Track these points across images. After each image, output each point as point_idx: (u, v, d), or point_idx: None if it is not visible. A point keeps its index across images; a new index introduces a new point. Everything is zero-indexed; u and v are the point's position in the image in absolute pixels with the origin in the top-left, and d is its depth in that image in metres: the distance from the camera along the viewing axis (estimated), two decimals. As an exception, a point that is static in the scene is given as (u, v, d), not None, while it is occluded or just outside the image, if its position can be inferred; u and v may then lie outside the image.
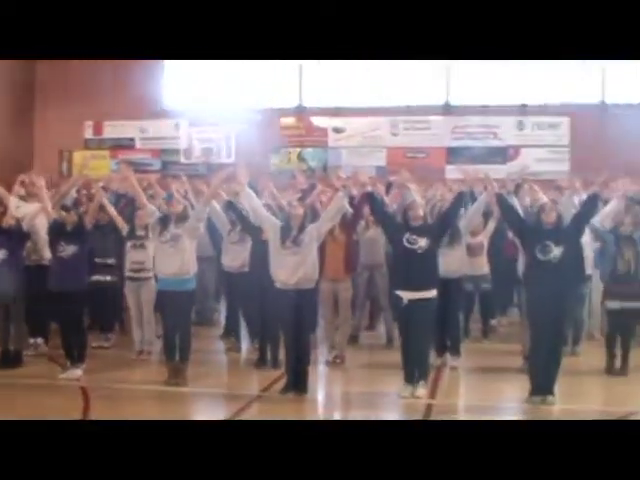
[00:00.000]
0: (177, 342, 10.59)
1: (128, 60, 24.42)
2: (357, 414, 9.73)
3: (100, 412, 9.08)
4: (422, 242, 9.68)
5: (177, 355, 10.61)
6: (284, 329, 10.35)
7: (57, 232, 11.12)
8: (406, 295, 9.75)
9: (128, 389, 10.28)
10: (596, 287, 12.70)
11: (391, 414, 9.52)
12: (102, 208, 12.25)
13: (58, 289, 10.87)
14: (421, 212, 10.09)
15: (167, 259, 10.55)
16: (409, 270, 9.74)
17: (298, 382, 10.06)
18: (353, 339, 13.13)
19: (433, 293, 9.88)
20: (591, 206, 10.06)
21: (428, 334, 10.11)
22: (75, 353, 10.89)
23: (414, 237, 9.75)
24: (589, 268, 12.32)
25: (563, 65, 25.09)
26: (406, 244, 9.73)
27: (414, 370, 9.89)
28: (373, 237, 12.88)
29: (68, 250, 10.91)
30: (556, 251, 9.36)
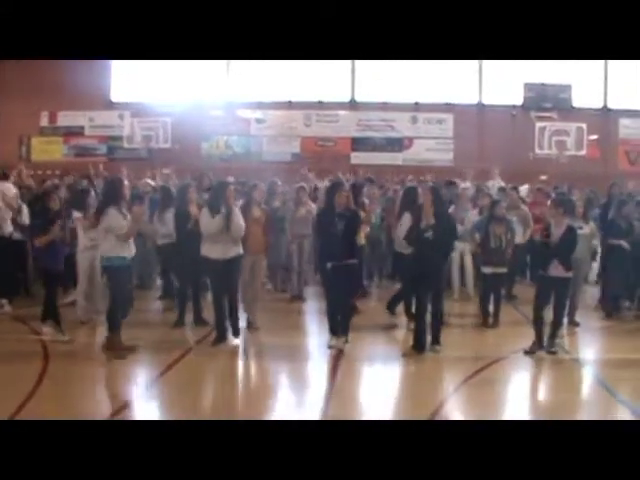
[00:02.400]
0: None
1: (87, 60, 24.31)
2: (273, 360, 9.73)
3: (58, 360, 9.00)
4: (341, 225, 9.73)
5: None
6: (218, 291, 10.32)
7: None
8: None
9: (82, 342, 10.14)
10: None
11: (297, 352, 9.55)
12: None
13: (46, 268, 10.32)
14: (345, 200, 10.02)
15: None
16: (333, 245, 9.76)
17: (226, 335, 10.12)
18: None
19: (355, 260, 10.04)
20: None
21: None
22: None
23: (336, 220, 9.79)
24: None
25: (447, 69, 25.67)
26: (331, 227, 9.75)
27: (338, 325, 9.90)
28: (303, 215, 13.01)
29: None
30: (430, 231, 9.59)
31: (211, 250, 10.12)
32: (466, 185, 14.94)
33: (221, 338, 10.16)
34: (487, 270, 11.40)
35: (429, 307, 9.75)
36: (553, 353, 9.59)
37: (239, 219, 10.15)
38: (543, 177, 22.35)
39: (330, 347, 9.85)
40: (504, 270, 11.47)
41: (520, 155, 24.21)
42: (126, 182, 10.66)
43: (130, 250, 9.64)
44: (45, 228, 9.97)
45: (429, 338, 9.77)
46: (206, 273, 10.78)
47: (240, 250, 10.25)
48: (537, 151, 24.97)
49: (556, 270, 9.62)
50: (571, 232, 9.75)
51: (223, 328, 10.19)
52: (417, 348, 9.67)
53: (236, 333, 10.27)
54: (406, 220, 10.63)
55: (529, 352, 9.64)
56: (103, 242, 9.59)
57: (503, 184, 15.99)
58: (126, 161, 24.86)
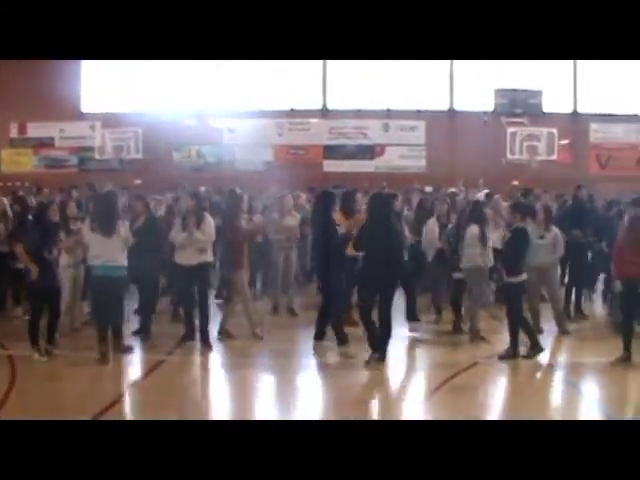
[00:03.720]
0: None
1: (52, 68, 24.16)
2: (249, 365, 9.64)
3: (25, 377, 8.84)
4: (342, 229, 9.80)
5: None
6: (184, 297, 10.54)
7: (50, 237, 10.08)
8: None
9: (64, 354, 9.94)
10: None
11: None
12: None
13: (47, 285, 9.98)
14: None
15: None
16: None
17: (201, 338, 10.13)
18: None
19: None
20: None
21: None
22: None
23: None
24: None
25: (418, 75, 25.78)
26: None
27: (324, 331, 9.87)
28: (289, 225, 12.66)
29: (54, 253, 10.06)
30: None
31: (178, 256, 10.32)
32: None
33: (189, 336, 10.25)
34: (458, 275, 11.24)
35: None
36: (526, 357, 9.54)
37: (208, 228, 10.23)
38: (515, 182, 22.43)
39: (341, 354, 9.76)
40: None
41: (492, 161, 24.27)
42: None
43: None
44: (46, 241, 9.52)
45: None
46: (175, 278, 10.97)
47: (206, 258, 10.26)
48: (509, 156, 25.04)
49: (504, 275, 9.70)
50: (514, 235, 9.70)
51: (191, 326, 10.28)
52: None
53: (206, 343, 10.19)
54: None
55: (503, 357, 9.60)
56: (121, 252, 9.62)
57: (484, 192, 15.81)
58: (97, 172, 24.77)
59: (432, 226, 11.88)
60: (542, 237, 10.79)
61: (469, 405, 7.94)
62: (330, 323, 9.91)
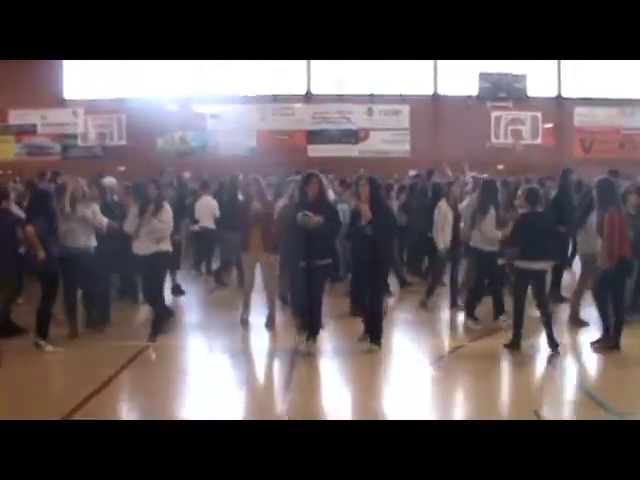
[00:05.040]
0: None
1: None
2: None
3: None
4: (315, 219, 9.03)
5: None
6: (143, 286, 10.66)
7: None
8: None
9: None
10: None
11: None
12: None
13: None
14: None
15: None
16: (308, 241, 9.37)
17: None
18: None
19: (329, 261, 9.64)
20: None
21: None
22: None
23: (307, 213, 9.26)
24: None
25: (402, 60, 25.71)
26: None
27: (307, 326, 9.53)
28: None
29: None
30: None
31: (134, 246, 10.06)
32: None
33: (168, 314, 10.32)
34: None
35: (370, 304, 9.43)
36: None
37: (166, 217, 10.02)
38: (500, 166, 22.51)
39: (301, 350, 9.23)
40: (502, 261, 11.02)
41: (477, 145, 24.32)
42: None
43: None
44: (53, 226, 9.61)
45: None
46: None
47: (162, 247, 10.03)
48: (493, 140, 25.13)
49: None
50: (517, 220, 9.50)
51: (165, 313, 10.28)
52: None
53: (154, 333, 9.97)
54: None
55: (508, 346, 9.25)
56: None
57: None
58: (81, 159, 24.68)
59: (445, 210, 11.34)
60: None
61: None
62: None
